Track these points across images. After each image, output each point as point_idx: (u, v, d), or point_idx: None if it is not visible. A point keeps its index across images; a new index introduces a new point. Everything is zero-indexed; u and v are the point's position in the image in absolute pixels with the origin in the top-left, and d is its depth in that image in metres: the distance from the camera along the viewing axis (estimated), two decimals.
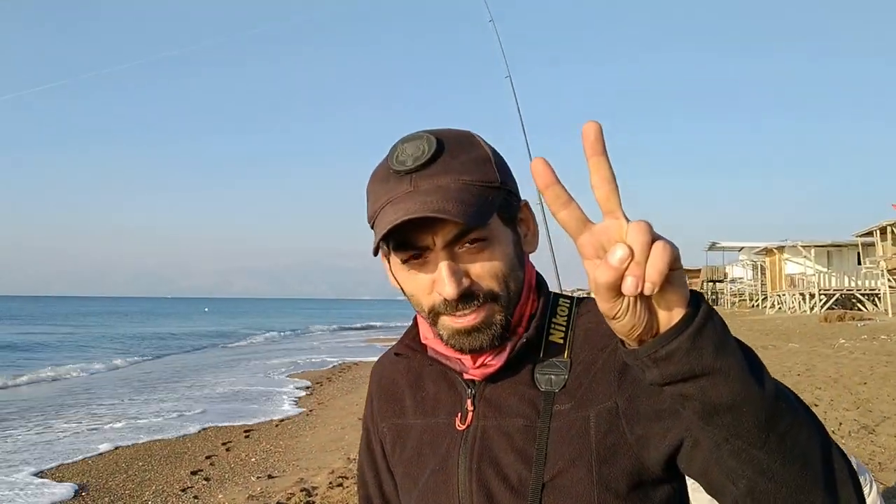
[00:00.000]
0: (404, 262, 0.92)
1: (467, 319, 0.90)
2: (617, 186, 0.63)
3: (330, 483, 6.08)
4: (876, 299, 32.00)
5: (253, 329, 40.67)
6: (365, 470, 1.15)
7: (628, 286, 0.60)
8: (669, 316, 0.64)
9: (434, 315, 0.93)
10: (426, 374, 1.06)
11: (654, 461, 0.87)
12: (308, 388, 13.43)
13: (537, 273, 1.03)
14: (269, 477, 6.61)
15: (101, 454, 7.67)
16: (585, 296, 1.04)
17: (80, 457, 7.53)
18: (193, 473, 6.77)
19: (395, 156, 0.92)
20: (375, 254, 0.94)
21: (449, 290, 0.88)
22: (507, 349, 0.94)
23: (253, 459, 7.38)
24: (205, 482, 6.50)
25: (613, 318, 0.64)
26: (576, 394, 0.92)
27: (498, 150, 0.98)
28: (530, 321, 0.97)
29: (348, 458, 7.03)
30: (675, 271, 0.61)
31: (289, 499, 5.71)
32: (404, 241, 0.89)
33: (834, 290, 33.41)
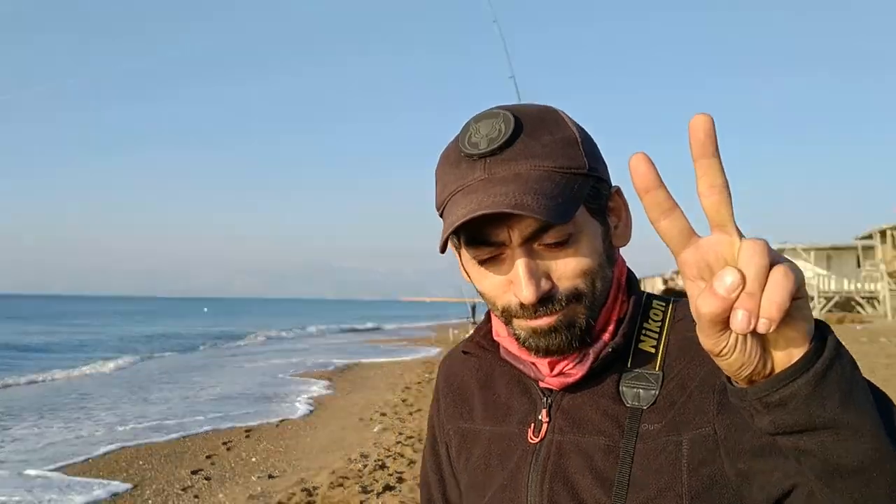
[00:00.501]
0: (475, 257, 0.82)
1: (545, 320, 0.80)
2: (730, 195, 0.53)
3: (331, 483, 6.10)
4: (875, 302, 32.04)
5: (253, 329, 40.65)
6: (429, 471, 1.06)
7: (738, 322, 0.49)
8: (788, 353, 0.54)
9: (508, 315, 0.83)
10: (498, 374, 0.96)
11: (756, 503, 0.74)
12: (325, 387, 13.43)
13: (628, 270, 0.91)
14: (270, 477, 6.63)
15: (103, 454, 7.69)
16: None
17: (83, 457, 7.55)
18: (194, 473, 6.80)
19: (467, 136, 0.80)
20: (443, 250, 0.81)
21: (527, 293, 0.77)
22: (591, 357, 0.83)
23: (253, 459, 7.40)
24: (205, 481, 6.52)
25: (718, 355, 0.55)
26: (667, 413, 0.80)
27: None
28: (618, 326, 0.85)
29: (349, 459, 7.06)
30: (797, 300, 0.51)
31: (289, 498, 5.74)
32: (476, 235, 0.79)
33: (833, 292, 33.44)
